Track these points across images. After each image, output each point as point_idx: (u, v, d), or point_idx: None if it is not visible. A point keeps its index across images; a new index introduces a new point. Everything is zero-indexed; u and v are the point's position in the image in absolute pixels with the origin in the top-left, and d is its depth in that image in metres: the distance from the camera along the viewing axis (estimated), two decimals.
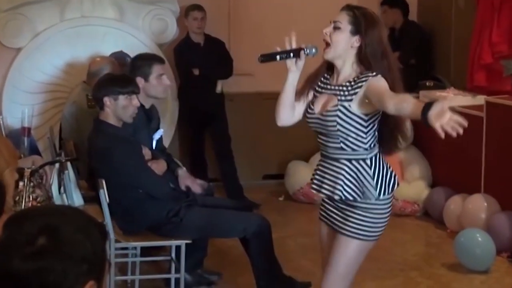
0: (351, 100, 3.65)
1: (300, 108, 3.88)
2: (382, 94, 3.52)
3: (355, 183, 3.69)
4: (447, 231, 6.61)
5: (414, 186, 7.06)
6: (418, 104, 3.32)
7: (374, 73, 3.64)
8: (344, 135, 3.67)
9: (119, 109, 4.72)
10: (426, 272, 5.77)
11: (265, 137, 8.14)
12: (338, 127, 3.65)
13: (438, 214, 6.82)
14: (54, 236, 1.68)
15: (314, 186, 3.85)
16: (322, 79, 3.84)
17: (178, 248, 4.80)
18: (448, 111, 3.19)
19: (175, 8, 7.61)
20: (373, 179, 3.68)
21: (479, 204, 6.27)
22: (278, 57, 3.77)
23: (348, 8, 3.76)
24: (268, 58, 3.80)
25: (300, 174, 7.58)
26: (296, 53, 3.74)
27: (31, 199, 4.44)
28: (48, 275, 1.66)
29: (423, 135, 7.25)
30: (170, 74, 7.49)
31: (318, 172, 3.82)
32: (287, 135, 8.01)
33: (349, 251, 3.76)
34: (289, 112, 3.88)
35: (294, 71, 3.78)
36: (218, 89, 7.55)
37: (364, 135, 3.67)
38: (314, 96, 3.84)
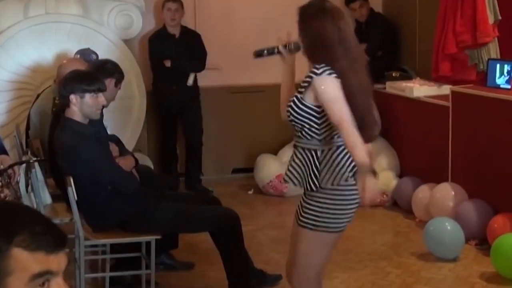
0: (301, 92, 3.76)
1: None
2: (337, 123, 3.64)
3: (301, 170, 3.78)
4: (415, 221, 6.66)
5: (382, 177, 7.10)
6: (360, 156, 3.58)
7: (320, 71, 3.70)
8: (299, 125, 3.77)
9: (85, 107, 4.69)
10: (395, 261, 5.81)
11: (233, 131, 8.15)
12: (292, 117, 3.78)
13: (406, 204, 6.88)
14: None
15: (286, 177, 3.94)
16: None
17: (148, 244, 4.80)
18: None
19: (140, 3, 7.58)
20: (318, 170, 3.75)
21: (446, 193, 6.33)
22: (265, 52, 3.97)
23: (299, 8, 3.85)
24: (259, 54, 3.99)
25: (269, 167, 7.60)
26: (278, 50, 3.91)
27: None
28: None
29: (391, 126, 7.30)
30: (136, 72, 7.47)
31: (289, 162, 3.93)
32: (255, 129, 8.04)
33: (305, 242, 3.81)
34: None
35: (284, 65, 3.94)
36: (189, 82, 7.54)
37: (317, 127, 3.74)
38: None
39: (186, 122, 7.68)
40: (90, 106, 4.68)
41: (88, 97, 4.68)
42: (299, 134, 3.80)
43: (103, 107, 4.89)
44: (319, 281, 3.92)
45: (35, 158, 4.85)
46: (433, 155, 6.80)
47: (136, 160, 5.16)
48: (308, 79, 3.74)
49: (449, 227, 5.77)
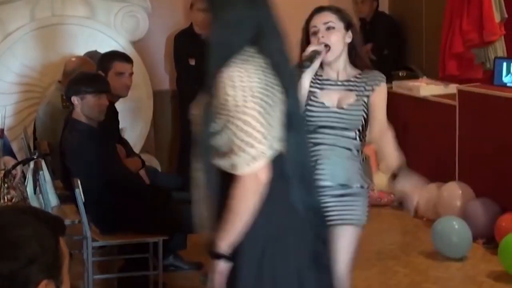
0: (368, 96, 3.72)
1: None
2: (378, 121, 3.73)
3: (365, 172, 3.79)
4: (423, 220, 6.66)
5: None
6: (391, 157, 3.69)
7: (383, 77, 3.77)
8: (361, 128, 3.75)
9: (86, 108, 4.71)
10: (403, 260, 5.81)
11: None
12: (363, 121, 3.73)
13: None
14: None
15: (323, 177, 3.76)
16: (315, 75, 3.80)
17: (155, 244, 4.81)
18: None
19: (146, 4, 7.60)
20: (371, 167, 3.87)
21: (454, 192, 6.32)
22: (315, 59, 3.69)
23: (327, 9, 3.79)
24: (310, 62, 3.68)
25: None
26: (319, 54, 3.70)
27: (6, 200, 4.44)
28: None
29: (397, 125, 7.29)
30: (143, 73, 7.48)
31: (324, 163, 3.76)
32: None
33: (350, 238, 3.79)
34: None
35: (311, 71, 3.73)
36: None
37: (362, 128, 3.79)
38: (310, 92, 3.79)
39: None
40: (91, 107, 4.70)
41: (88, 98, 4.70)
42: (356, 137, 3.75)
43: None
44: None
45: (35, 156, 4.86)
46: (440, 154, 6.79)
47: (143, 162, 5.18)
48: (374, 83, 3.72)
49: (456, 226, 5.76)
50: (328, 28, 3.71)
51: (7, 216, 1.72)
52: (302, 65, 3.68)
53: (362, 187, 3.78)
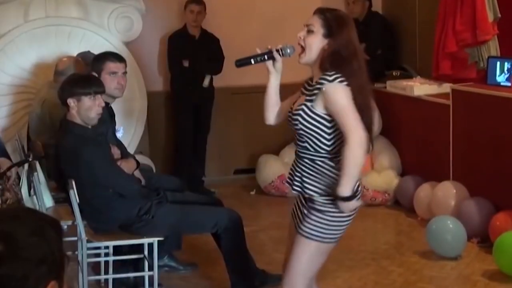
0: (312, 100, 3.65)
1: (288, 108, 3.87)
2: (346, 134, 3.55)
3: (320, 181, 3.67)
4: (417, 219, 6.67)
5: (384, 176, 7.11)
6: (345, 179, 3.57)
7: (332, 77, 3.60)
8: (307, 135, 3.66)
9: (83, 110, 4.69)
10: (398, 260, 5.81)
11: (234, 132, 8.16)
12: (300, 125, 3.66)
13: (408, 203, 6.88)
14: (10, 242, 1.66)
15: (288, 181, 3.85)
16: (309, 81, 3.81)
17: (150, 245, 4.81)
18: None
19: (140, 5, 7.60)
20: (335, 178, 3.65)
21: (448, 191, 6.33)
22: (252, 60, 3.80)
23: (320, 11, 3.77)
24: (243, 62, 3.83)
25: (271, 168, 7.60)
26: (271, 55, 3.77)
27: (1, 202, 4.44)
28: (9, 282, 1.64)
29: (392, 125, 7.31)
30: (137, 74, 7.47)
31: (291, 167, 3.83)
32: (256, 130, 8.04)
33: (305, 252, 3.72)
34: (275, 112, 3.91)
35: (274, 73, 3.81)
36: (205, 83, 7.65)
37: (327, 137, 3.65)
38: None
39: (198, 121, 7.73)
40: (88, 108, 4.69)
41: (85, 100, 4.69)
42: (305, 144, 3.68)
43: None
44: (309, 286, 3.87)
45: (30, 158, 4.85)
46: (434, 153, 6.80)
47: (138, 163, 5.17)
48: (318, 85, 3.62)
49: (451, 225, 5.77)
50: (308, 32, 3.72)
51: (14, 218, 1.73)
52: (242, 60, 3.76)
53: (326, 199, 3.66)
